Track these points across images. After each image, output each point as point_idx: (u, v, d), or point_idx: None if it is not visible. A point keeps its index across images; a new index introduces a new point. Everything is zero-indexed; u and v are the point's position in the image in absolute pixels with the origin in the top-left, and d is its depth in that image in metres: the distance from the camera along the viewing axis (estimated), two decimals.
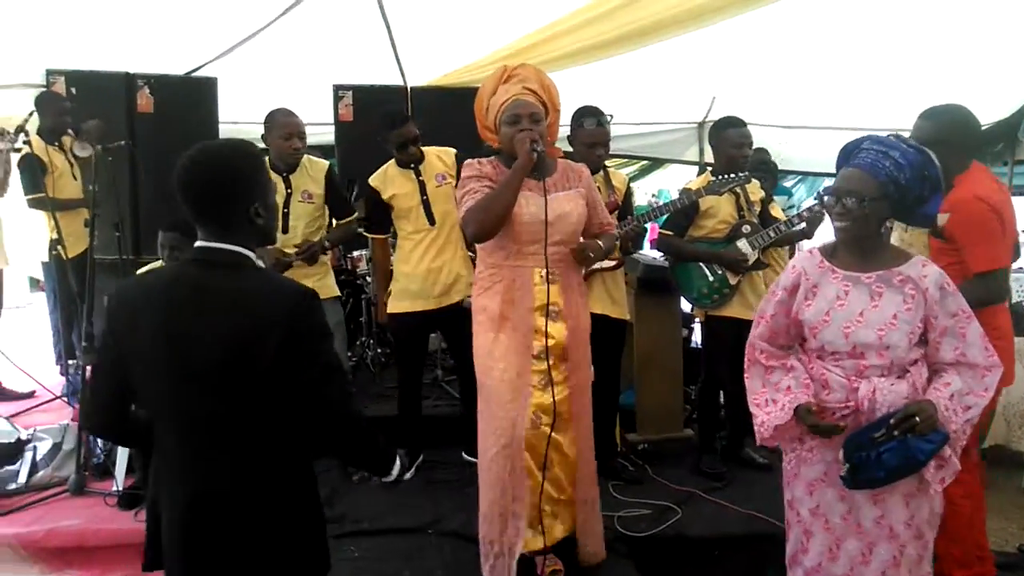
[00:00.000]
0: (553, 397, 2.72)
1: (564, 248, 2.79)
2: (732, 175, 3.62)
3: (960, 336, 2.15)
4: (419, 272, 3.74)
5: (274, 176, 3.71)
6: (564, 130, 3.85)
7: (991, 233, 2.70)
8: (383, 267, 3.93)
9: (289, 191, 3.81)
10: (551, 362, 2.74)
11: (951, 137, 2.66)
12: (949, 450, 2.14)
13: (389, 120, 3.70)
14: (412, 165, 3.77)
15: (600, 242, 2.86)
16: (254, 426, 1.70)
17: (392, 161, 3.81)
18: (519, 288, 2.74)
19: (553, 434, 2.76)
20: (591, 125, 3.61)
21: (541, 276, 2.74)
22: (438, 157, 3.84)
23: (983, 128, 6.08)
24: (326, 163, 3.98)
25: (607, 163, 3.89)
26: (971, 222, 2.68)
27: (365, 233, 4.04)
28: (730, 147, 3.78)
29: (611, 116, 3.70)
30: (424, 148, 3.81)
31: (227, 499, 1.73)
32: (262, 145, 3.91)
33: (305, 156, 3.87)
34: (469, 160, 2.90)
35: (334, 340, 1.84)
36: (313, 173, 3.91)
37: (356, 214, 4.12)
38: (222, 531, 1.73)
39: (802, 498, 2.34)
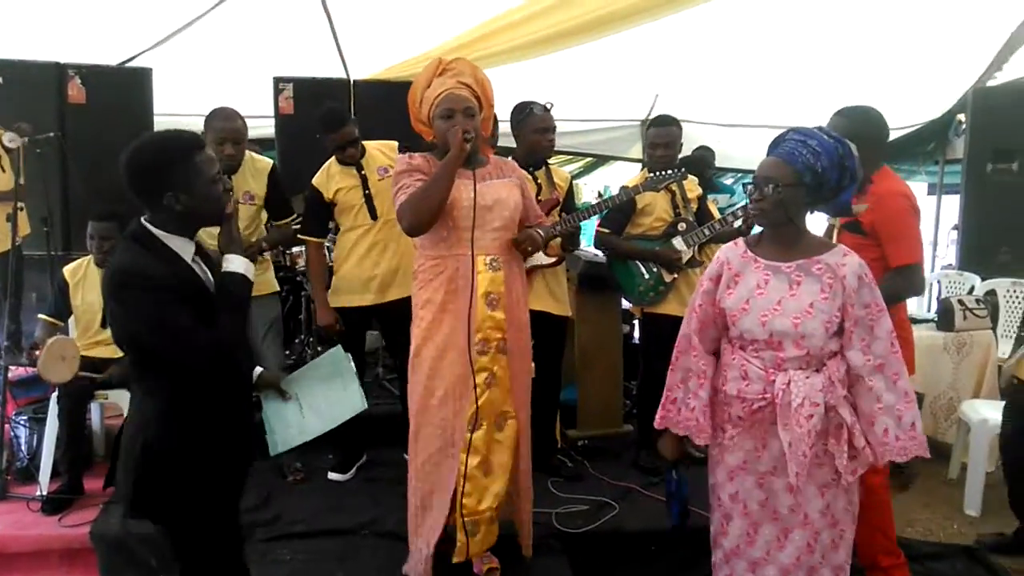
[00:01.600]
0: (477, 396, 2.70)
1: (505, 234, 2.78)
2: (668, 171, 3.64)
3: (868, 329, 2.18)
4: (360, 267, 3.69)
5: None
6: (505, 126, 3.87)
7: (912, 228, 2.80)
8: (319, 271, 3.84)
9: (228, 182, 3.70)
10: (492, 355, 2.73)
11: (865, 135, 2.70)
12: (863, 441, 2.19)
13: (327, 121, 3.62)
14: (352, 163, 3.70)
15: (539, 231, 2.86)
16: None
17: (333, 158, 3.74)
18: (462, 276, 2.71)
19: (494, 434, 2.76)
20: (540, 111, 3.62)
21: (486, 264, 2.72)
22: (379, 151, 3.79)
23: (916, 128, 6.31)
24: (270, 162, 3.85)
25: (549, 161, 3.88)
26: (895, 217, 2.76)
27: (300, 236, 3.92)
28: (649, 146, 3.87)
29: (551, 104, 3.69)
30: (365, 142, 3.75)
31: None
32: None
33: (248, 154, 3.73)
34: (400, 155, 2.87)
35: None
36: (255, 172, 3.76)
37: (295, 215, 4.03)
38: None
39: (723, 484, 2.38)
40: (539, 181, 3.71)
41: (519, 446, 2.85)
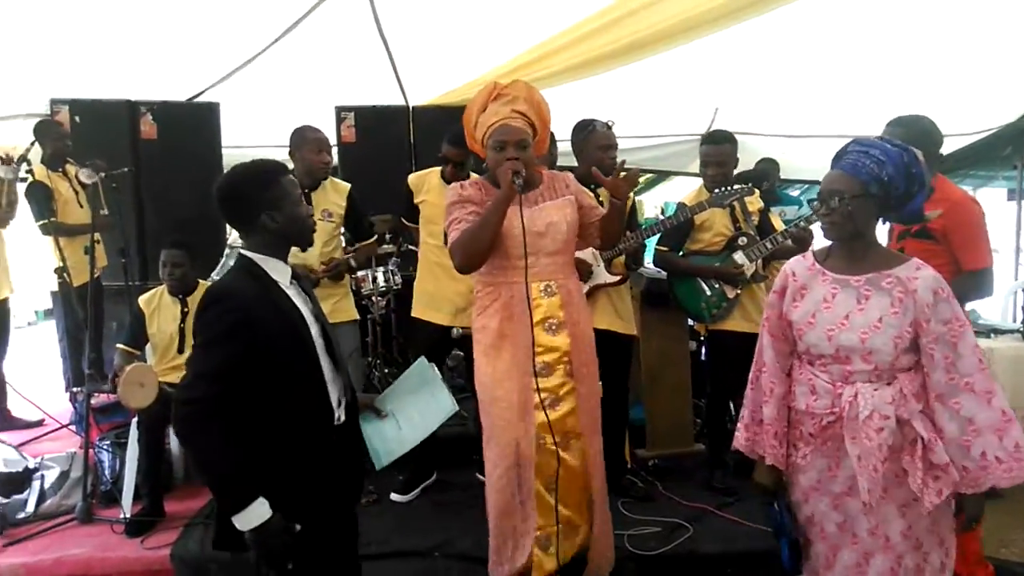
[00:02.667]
0: (547, 414, 2.68)
1: (560, 258, 2.77)
2: (735, 188, 3.58)
3: (951, 345, 2.09)
4: (435, 286, 3.79)
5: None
6: (567, 145, 3.87)
7: (985, 233, 2.89)
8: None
9: (310, 208, 3.82)
10: (557, 378, 2.71)
11: (920, 143, 2.67)
12: (944, 458, 2.08)
13: (454, 138, 3.71)
14: (449, 183, 3.78)
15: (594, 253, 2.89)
16: None
17: (438, 170, 3.86)
18: (518, 303, 2.71)
19: (561, 452, 2.72)
20: (602, 128, 3.62)
21: (541, 290, 2.72)
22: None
23: (992, 132, 6.08)
24: (348, 185, 4.00)
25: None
26: (969, 222, 2.83)
27: (404, 221, 4.06)
28: (700, 164, 3.86)
29: (613, 121, 3.69)
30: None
31: None
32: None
33: (328, 177, 3.91)
34: (453, 184, 2.89)
35: (218, 347, 1.95)
36: (335, 193, 3.92)
37: (375, 237, 4.19)
38: None
39: (798, 505, 2.31)
40: (601, 199, 3.69)
41: (589, 466, 2.80)
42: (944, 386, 2.09)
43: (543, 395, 2.69)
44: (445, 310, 3.78)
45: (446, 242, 2.83)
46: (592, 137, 3.62)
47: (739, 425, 2.42)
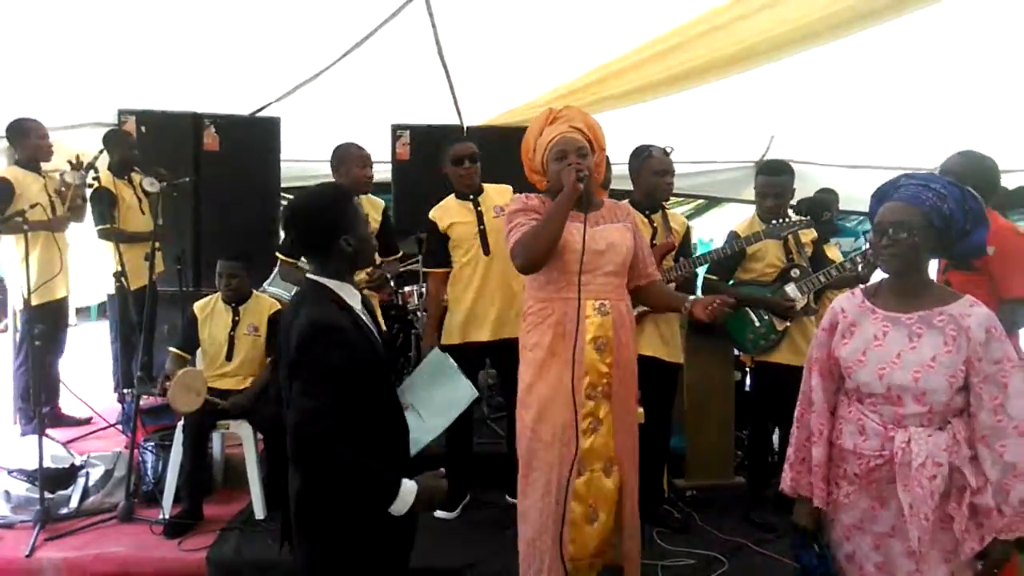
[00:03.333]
0: (580, 442, 2.66)
1: (615, 279, 2.76)
2: (792, 220, 3.53)
3: (1002, 385, 2.02)
4: (474, 302, 3.75)
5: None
6: (620, 169, 3.86)
7: None
8: (435, 303, 3.92)
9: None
10: (598, 400, 2.69)
11: (980, 177, 2.83)
12: (991, 503, 2.02)
13: (448, 140, 3.84)
14: (471, 196, 3.82)
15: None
16: None
17: (452, 195, 3.88)
18: (570, 320, 2.67)
19: (597, 477, 2.69)
20: (659, 153, 3.62)
21: (595, 308, 2.70)
22: (496, 192, 3.91)
23: None
24: (382, 202, 4.10)
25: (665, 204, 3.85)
26: (1010, 251, 2.88)
27: (422, 268, 4.08)
28: (757, 195, 3.81)
29: (671, 148, 3.69)
30: (484, 184, 3.89)
31: None
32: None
33: (366, 193, 3.99)
34: (516, 195, 2.91)
35: (333, 380, 1.92)
36: (372, 208, 4.00)
37: (400, 253, 4.25)
38: None
39: (838, 543, 2.25)
40: (655, 225, 3.67)
41: (624, 493, 2.76)
42: (990, 428, 2.03)
43: (585, 420, 2.67)
44: (485, 326, 3.74)
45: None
46: (648, 162, 3.62)
47: (785, 466, 2.36)
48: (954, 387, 2.04)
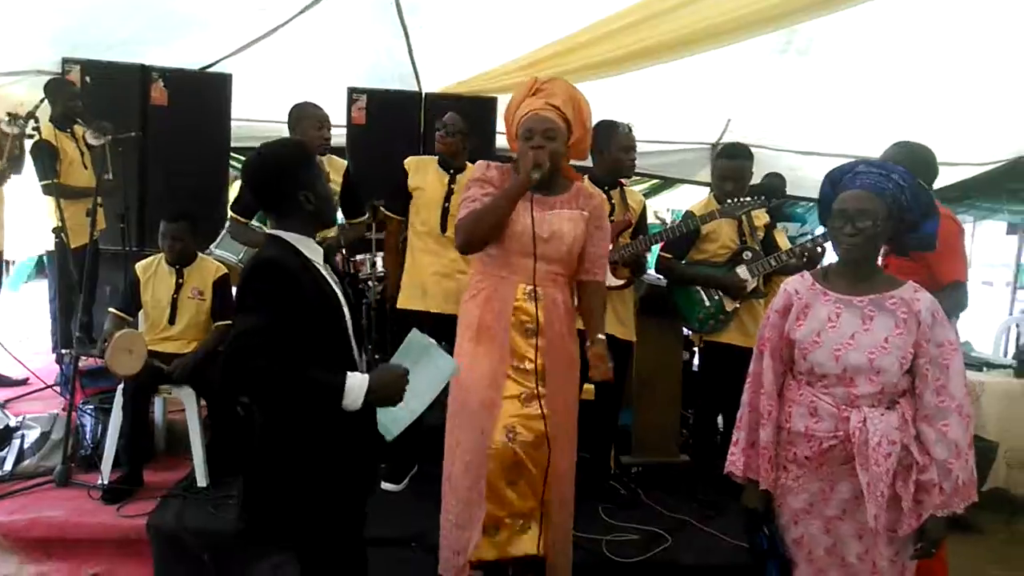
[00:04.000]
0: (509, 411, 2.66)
1: (555, 267, 2.72)
2: (749, 199, 3.56)
3: (944, 367, 2.12)
4: (427, 275, 3.73)
5: None
6: None
7: (960, 247, 3.06)
8: (393, 251, 3.90)
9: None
10: (529, 380, 2.67)
11: (921, 169, 2.82)
12: (935, 479, 2.11)
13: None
14: (451, 171, 3.78)
15: (599, 335, 2.70)
16: None
17: (436, 157, 3.85)
18: (499, 299, 2.69)
19: (519, 450, 2.66)
20: (625, 130, 3.62)
21: (525, 292, 2.68)
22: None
23: (1003, 164, 6.06)
24: (344, 162, 4.01)
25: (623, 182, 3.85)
26: (945, 238, 2.81)
27: (383, 209, 4.02)
28: (715, 178, 3.84)
29: (633, 124, 3.70)
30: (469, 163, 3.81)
31: None
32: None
33: (327, 154, 3.90)
34: (479, 161, 2.86)
35: (264, 310, 1.91)
36: (332, 170, 3.91)
37: (367, 216, 4.15)
38: None
39: (786, 527, 2.29)
40: (613, 201, 3.67)
41: (552, 474, 2.71)
42: (933, 408, 2.11)
43: (520, 390, 2.67)
44: (430, 296, 3.72)
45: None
46: (615, 138, 3.60)
47: (733, 448, 2.39)
48: (903, 367, 2.11)
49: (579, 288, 2.84)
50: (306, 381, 1.91)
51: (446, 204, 3.72)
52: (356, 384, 1.92)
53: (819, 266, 4.05)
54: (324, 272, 2.10)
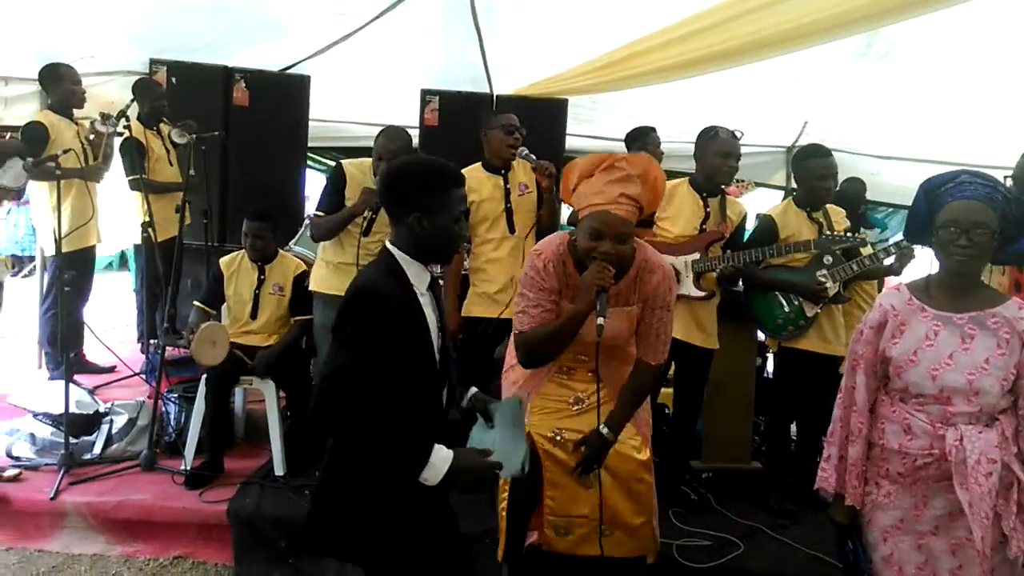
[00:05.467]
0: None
1: (613, 361, 2.68)
2: (845, 234, 3.52)
3: None
4: (498, 277, 3.70)
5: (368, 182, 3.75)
6: (687, 147, 3.84)
7: None
8: (456, 274, 3.90)
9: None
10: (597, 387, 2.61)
11: None
12: None
13: (497, 109, 3.78)
14: (502, 172, 3.78)
15: (603, 433, 2.59)
16: None
17: (479, 164, 3.82)
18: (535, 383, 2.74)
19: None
20: (726, 135, 3.55)
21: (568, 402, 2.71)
22: (522, 168, 3.84)
23: None
24: None
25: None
26: None
27: None
28: (813, 178, 3.65)
29: (741, 132, 3.62)
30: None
31: None
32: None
33: None
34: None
35: (360, 344, 1.88)
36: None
37: None
38: None
39: (875, 545, 2.24)
40: (709, 209, 3.61)
41: (632, 476, 2.69)
42: None
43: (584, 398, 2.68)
44: (502, 302, 3.67)
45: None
46: (713, 143, 3.56)
47: (825, 464, 2.34)
48: (1004, 389, 2.04)
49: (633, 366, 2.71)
50: (393, 442, 1.87)
51: (508, 204, 3.72)
52: (440, 457, 1.86)
53: (901, 274, 3.96)
54: (424, 300, 2.02)
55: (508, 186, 3.76)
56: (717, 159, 3.53)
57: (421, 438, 1.89)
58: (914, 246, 3.48)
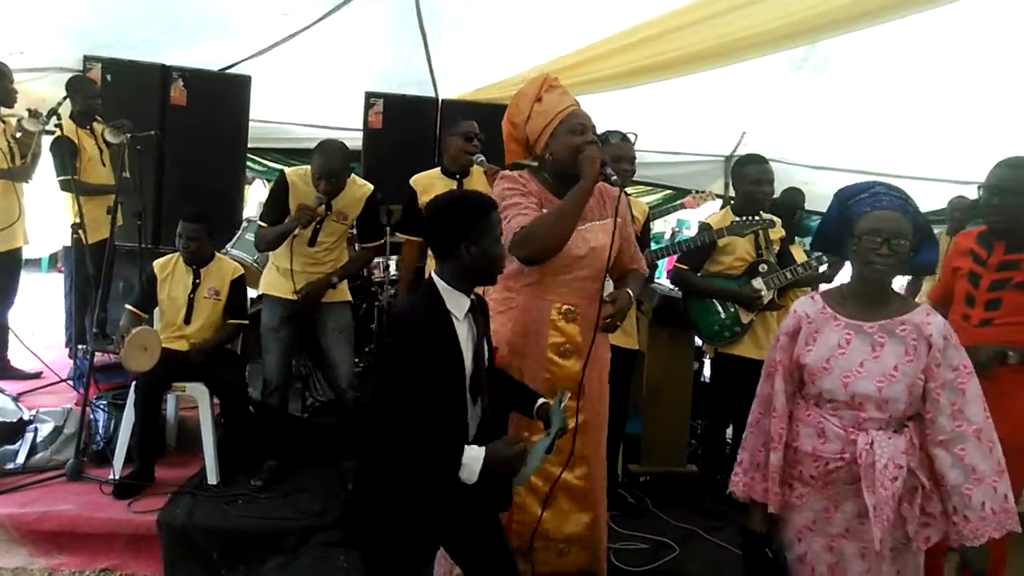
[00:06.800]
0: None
1: (590, 283, 2.58)
2: (756, 218, 3.57)
3: (960, 391, 2.08)
4: None
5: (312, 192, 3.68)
6: None
7: None
8: (410, 271, 3.89)
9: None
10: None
11: None
12: (939, 507, 2.10)
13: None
14: (457, 176, 3.82)
15: (629, 291, 2.63)
16: None
17: (438, 169, 3.89)
18: (535, 321, 2.57)
19: (563, 473, 2.59)
20: (616, 139, 3.59)
21: (560, 312, 2.57)
22: (479, 175, 3.93)
23: None
24: (370, 188, 3.88)
25: (628, 190, 3.85)
26: None
27: (397, 233, 4.04)
28: (749, 183, 3.74)
29: (635, 135, 3.67)
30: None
31: None
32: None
33: (352, 177, 3.80)
34: (508, 172, 2.62)
35: (395, 370, 2.04)
36: (354, 197, 3.82)
37: (380, 241, 4.07)
38: None
39: (789, 543, 2.28)
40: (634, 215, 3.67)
41: (594, 489, 2.70)
42: (950, 432, 2.08)
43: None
44: None
45: None
46: (605, 149, 3.58)
47: (737, 469, 2.37)
48: (913, 395, 2.09)
49: (619, 279, 2.74)
50: (426, 452, 2.03)
51: None
52: (472, 457, 2.01)
53: (833, 280, 4.08)
54: (459, 326, 2.14)
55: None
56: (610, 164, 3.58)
57: (451, 445, 2.04)
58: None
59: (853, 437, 2.11)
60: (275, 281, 3.84)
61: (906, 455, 2.08)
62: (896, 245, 2.07)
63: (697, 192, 4.30)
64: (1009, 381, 2.69)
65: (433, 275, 2.17)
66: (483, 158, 3.90)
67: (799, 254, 4.21)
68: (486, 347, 2.26)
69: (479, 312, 2.24)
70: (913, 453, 2.10)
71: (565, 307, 2.58)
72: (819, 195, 6.37)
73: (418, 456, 2.03)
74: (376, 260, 4.90)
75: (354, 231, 4.10)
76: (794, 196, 4.90)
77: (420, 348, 2.03)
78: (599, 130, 3.70)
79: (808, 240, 5.46)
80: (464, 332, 2.14)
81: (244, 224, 4.83)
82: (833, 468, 2.15)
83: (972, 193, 5.87)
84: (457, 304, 2.14)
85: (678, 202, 4.98)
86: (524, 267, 2.55)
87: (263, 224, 3.76)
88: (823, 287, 3.96)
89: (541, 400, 2.36)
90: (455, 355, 2.11)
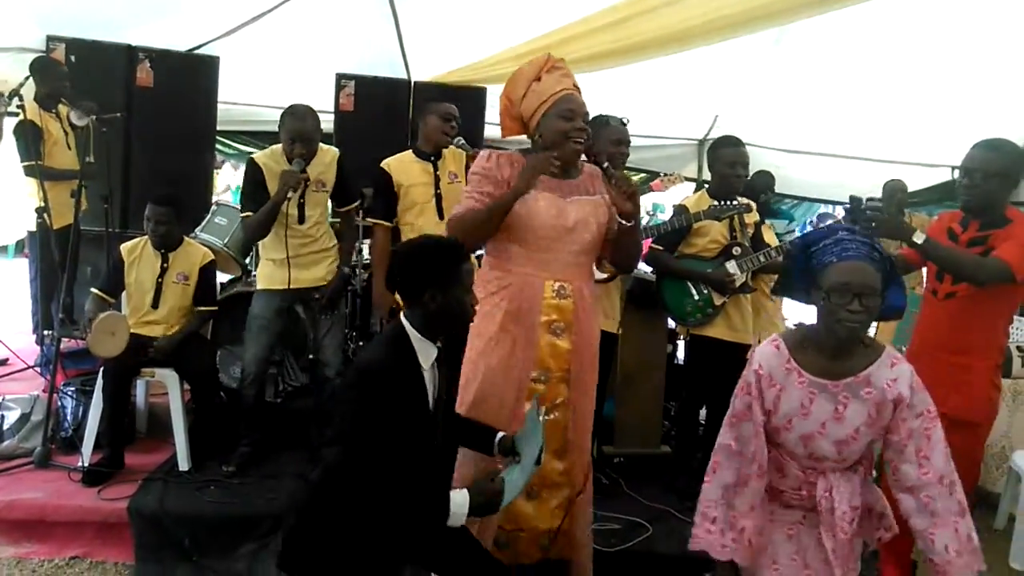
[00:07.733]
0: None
1: (581, 258, 2.61)
2: (732, 203, 3.58)
3: (926, 438, 2.09)
4: None
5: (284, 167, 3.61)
6: None
7: None
8: (383, 255, 3.85)
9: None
10: (554, 385, 2.58)
11: (1013, 170, 2.69)
12: (890, 514, 2.23)
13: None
14: (431, 157, 3.81)
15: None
16: None
17: (410, 151, 3.87)
18: (527, 298, 2.55)
19: (546, 460, 2.50)
20: (616, 123, 3.59)
21: (553, 290, 2.56)
22: (452, 156, 3.92)
23: None
24: (336, 151, 3.88)
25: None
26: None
27: (368, 219, 3.99)
28: (724, 166, 3.74)
29: (628, 119, 3.66)
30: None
31: None
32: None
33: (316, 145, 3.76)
34: (488, 151, 2.65)
35: (363, 421, 2.00)
36: (325, 162, 3.80)
37: (357, 202, 4.10)
38: None
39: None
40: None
41: (577, 474, 2.68)
42: (916, 479, 2.10)
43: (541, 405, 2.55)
44: None
45: None
46: (605, 131, 3.59)
47: (710, 526, 2.26)
48: (871, 447, 2.17)
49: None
50: (414, 511, 2.02)
51: (437, 191, 3.79)
52: (458, 506, 2.02)
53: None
54: (427, 375, 2.13)
55: (438, 173, 3.81)
56: (611, 147, 3.56)
57: (437, 497, 2.04)
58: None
59: (812, 480, 2.18)
60: (270, 274, 3.78)
61: (859, 495, 2.18)
62: (867, 301, 1.99)
63: (665, 175, 4.30)
64: (975, 356, 2.76)
65: (404, 321, 2.14)
66: (463, 140, 3.92)
67: (771, 237, 4.24)
68: (447, 397, 2.27)
69: (444, 364, 2.22)
70: (865, 487, 2.22)
71: (558, 284, 2.57)
72: (788, 179, 6.47)
73: (405, 515, 2.02)
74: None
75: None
76: (765, 179, 4.94)
77: (386, 399, 1.99)
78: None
79: (776, 223, 5.50)
80: (430, 382, 2.13)
81: (213, 208, 4.75)
82: (788, 504, 2.25)
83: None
84: (425, 353, 2.12)
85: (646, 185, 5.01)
86: (512, 246, 2.57)
87: (247, 214, 3.66)
88: (788, 325, 3.99)
89: (501, 434, 2.35)
90: (422, 404, 2.11)
